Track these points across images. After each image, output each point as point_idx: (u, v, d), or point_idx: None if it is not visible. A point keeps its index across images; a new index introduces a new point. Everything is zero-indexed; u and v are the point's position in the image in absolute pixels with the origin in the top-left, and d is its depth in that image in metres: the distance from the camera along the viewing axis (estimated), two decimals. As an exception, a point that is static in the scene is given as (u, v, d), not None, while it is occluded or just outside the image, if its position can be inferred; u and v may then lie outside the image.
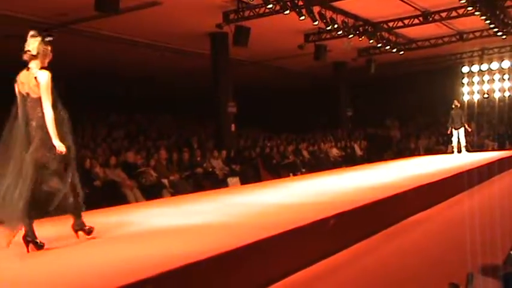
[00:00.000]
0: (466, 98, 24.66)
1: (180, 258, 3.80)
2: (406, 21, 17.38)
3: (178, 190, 11.95)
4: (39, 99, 4.55)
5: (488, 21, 16.82)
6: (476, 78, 24.77)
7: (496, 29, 17.84)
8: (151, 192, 11.36)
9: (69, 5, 12.86)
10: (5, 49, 16.09)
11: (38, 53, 4.72)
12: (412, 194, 7.75)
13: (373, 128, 25.35)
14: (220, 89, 16.86)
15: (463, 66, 24.57)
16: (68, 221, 5.00)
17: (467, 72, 24.73)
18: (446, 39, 20.27)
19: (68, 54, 17.37)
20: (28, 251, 4.47)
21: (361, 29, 17.64)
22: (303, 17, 14.50)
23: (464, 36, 19.96)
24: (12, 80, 4.78)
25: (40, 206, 4.50)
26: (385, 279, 4.53)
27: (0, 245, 4.49)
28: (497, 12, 16.70)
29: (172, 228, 5.74)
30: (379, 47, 19.52)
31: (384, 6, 15.93)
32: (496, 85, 24.46)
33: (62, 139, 4.58)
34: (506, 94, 24.29)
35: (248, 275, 4.23)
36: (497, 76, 24.40)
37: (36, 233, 4.51)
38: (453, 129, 17.03)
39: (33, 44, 4.73)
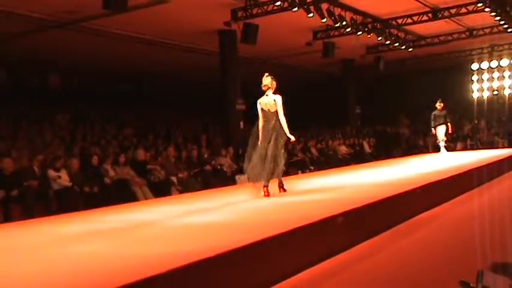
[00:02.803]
0: (475, 95, 24.52)
1: (189, 256, 3.81)
2: (415, 18, 17.31)
3: (186, 187, 11.98)
4: (276, 112, 7.74)
5: (498, 18, 16.72)
6: (485, 75, 24.61)
7: (506, 26, 17.73)
8: (160, 190, 11.40)
9: (78, 2, 12.92)
10: (16, 46, 16.32)
11: (271, 85, 7.87)
12: (421, 192, 7.72)
13: (382, 125, 25.28)
14: (228, 86, 16.89)
15: (473, 63, 24.40)
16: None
17: (477, 69, 24.55)
18: (455, 36, 20.16)
19: (77, 52, 17.52)
20: (280, 192, 8.00)
21: (369, 26, 17.59)
22: (311, 14, 14.49)
23: (474, 32, 19.85)
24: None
25: (274, 170, 7.71)
26: (394, 277, 4.52)
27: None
28: (507, 9, 16.59)
29: (181, 225, 5.76)
30: (388, 44, 19.45)
31: (393, 2, 15.89)
32: (506, 82, 24.26)
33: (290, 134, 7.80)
34: (516, 91, 24.14)
35: (256, 273, 4.23)
36: (507, 73, 24.20)
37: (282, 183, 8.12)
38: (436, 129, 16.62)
39: (267, 80, 7.85)
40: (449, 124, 16.22)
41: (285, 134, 7.79)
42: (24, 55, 17.36)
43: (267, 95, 7.83)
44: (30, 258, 4.47)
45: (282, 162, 7.74)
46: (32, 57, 17.75)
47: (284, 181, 8.27)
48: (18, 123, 15.20)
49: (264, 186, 7.69)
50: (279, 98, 7.77)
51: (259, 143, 7.74)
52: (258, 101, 7.88)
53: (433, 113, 16.51)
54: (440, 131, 16.31)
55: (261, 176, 7.67)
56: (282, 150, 7.81)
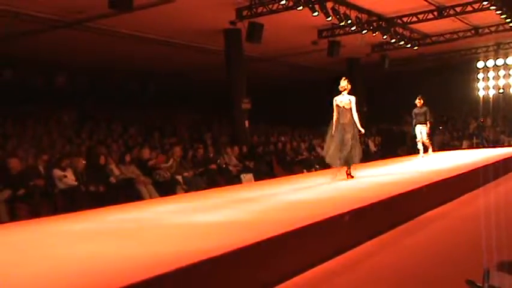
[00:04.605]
0: (481, 93, 24.42)
1: (196, 254, 3.82)
2: (420, 16, 17.24)
3: (192, 186, 11.98)
4: (350, 109, 9.23)
5: (503, 16, 16.65)
6: (491, 74, 24.51)
7: (511, 24, 17.65)
8: (166, 189, 11.41)
9: (84, 2, 12.96)
10: (23, 46, 16.37)
11: (347, 87, 9.38)
12: (427, 190, 7.71)
13: (387, 123, 25.22)
14: (233, 85, 16.87)
15: (478, 61, 24.30)
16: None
17: (483, 67, 24.46)
18: (461, 34, 20.06)
19: (82, 51, 17.56)
20: (347, 178, 9.39)
21: (374, 24, 17.54)
22: (316, 13, 14.46)
23: (480, 30, 19.75)
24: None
25: (349, 157, 9.24)
26: (400, 276, 4.51)
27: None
28: (513, 7, 16.53)
29: (187, 224, 5.77)
30: (393, 42, 19.39)
31: (398, 1, 15.83)
32: (512, 80, 24.20)
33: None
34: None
35: (263, 271, 4.24)
36: (512, 71, 24.13)
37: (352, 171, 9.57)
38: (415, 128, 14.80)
39: (344, 82, 9.39)
40: (428, 123, 14.50)
41: (358, 127, 9.23)
42: (30, 55, 17.40)
43: (343, 94, 9.37)
44: (36, 257, 4.49)
45: (355, 152, 9.24)
46: (38, 56, 17.80)
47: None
48: (24, 123, 15.26)
49: (339, 170, 9.35)
50: (353, 98, 9.32)
51: (333, 133, 9.27)
52: (334, 98, 9.42)
53: (413, 110, 14.85)
54: (419, 131, 14.62)
55: (336, 161, 9.27)
56: (358, 143, 9.34)
